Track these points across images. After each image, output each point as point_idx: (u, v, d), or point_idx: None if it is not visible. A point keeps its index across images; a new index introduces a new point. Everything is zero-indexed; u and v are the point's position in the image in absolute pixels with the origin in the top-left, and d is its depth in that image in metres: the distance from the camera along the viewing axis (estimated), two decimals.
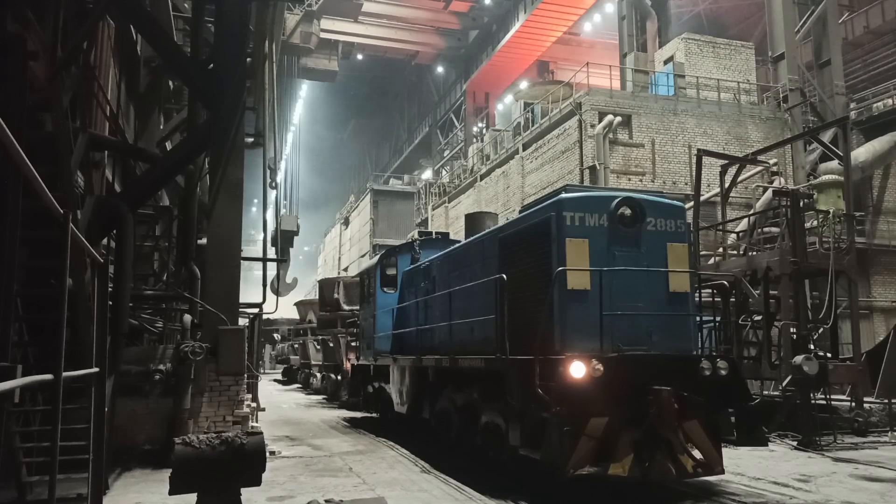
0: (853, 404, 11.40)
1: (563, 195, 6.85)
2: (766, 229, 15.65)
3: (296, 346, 26.39)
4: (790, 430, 10.46)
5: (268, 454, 5.82)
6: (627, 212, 6.82)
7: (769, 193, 17.32)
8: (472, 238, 9.33)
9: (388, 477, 7.67)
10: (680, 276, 6.90)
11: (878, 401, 11.47)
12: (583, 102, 19.60)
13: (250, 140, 13.32)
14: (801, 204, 11.96)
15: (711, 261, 14.40)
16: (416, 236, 13.15)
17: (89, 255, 5.37)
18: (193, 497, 5.00)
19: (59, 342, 3.69)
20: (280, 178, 23.25)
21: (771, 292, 11.57)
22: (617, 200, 6.78)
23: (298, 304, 27.06)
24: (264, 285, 11.32)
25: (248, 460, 5.02)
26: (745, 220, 16.20)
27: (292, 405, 18.55)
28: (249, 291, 12.05)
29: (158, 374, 8.46)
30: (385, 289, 11.89)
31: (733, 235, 15.80)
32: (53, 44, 6.54)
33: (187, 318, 9.09)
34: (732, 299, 11.38)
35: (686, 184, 19.27)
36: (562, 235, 6.61)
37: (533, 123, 23.74)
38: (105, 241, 7.93)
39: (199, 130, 9.67)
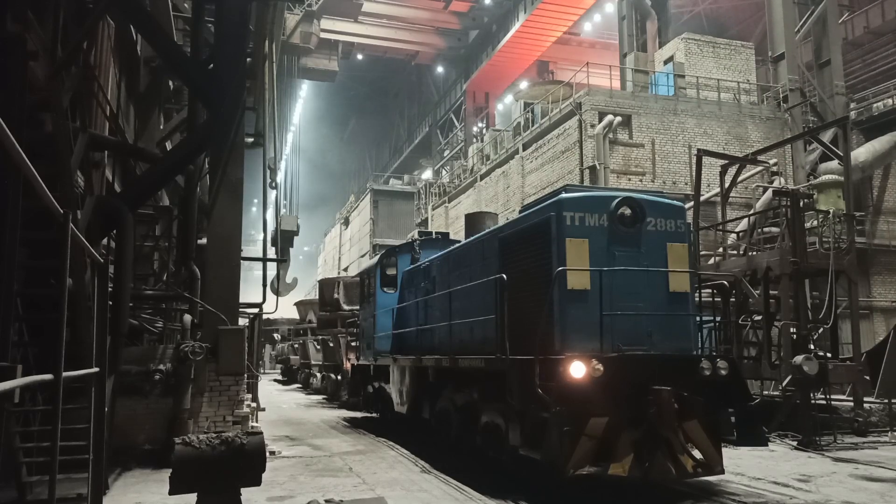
0: (853, 404, 11.40)
1: (563, 195, 6.85)
2: (766, 229, 15.64)
3: (296, 346, 26.39)
4: (790, 430, 10.46)
5: (268, 454, 5.82)
6: (627, 212, 6.82)
7: (769, 193, 17.31)
8: (471, 238, 9.33)
9: (388, 477, 7.67)
10: (680, 276, 6.90)
11: (878, 401, 11.47)
12: (583, 102, 19.60)
13: (250, 140, 13.30)
14: (801, 204, 11.96)
15: (711, 261, 14.39)
16: (416, 236, 13.14)
17: (89, 255, 5.37)
18: (193, 497, 5.00)
19: (59, 342, 3.69)
20: (280, 178, 23.24)
21: (771, 292, 11.57)
22: (617, 200, 6.78)
23: (298, 304, 27.06)
24: (264, 285, 11.32)
25: (248, 460, 5.02)
26: (745, 220, 16.19)
27: (292, 405, 18.55)
28: (249, 291, 12.05)
29: (158, 374, 8.46)
30: (385, 289, 11.88)
31: (733, 235, 15.79)
32: (53, 44, 6.54)
33: (187, 318, 9.08)
34: (732, 299, 11.38)
35: (686, 184, 19.26)
36: (562, 235, 6.61)
37: (533, 123, 23.74)
38: (105, 241, 7.92)
39: (199, 130, 9.66)
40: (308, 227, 37.31)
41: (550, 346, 6.41)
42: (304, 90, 51.12)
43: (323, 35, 35.32)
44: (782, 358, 10.98)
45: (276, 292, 14.73)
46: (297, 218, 20.41)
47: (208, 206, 9.13)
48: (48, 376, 3.61)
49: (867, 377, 11.07)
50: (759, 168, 17.56)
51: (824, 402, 10.78)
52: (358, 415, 14.96)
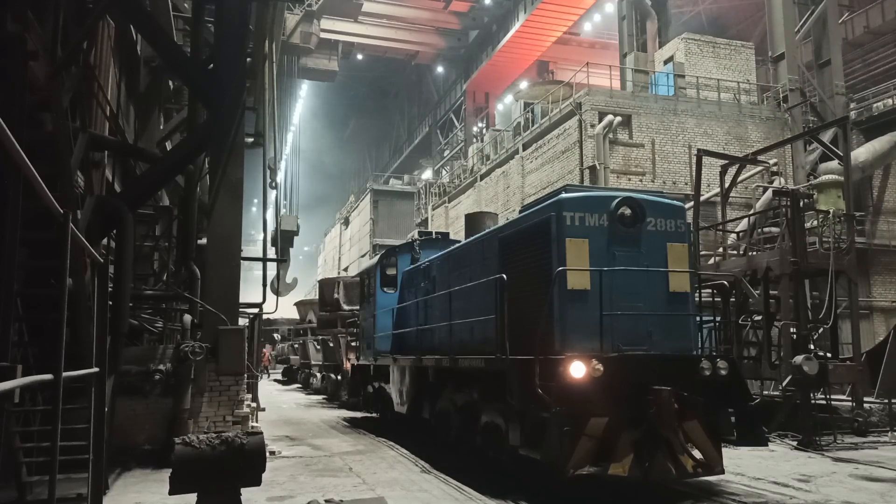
0: (853, 404, 11.40)
1: (563, 195, 6.85)
2: (766, 229, 15.64)
3: (296, 346, 26.40)
4: (790, 430, 10.46)
5: (268, 454, 5.82)
6: (627, 212, 6.82)
7: (769, 193, 17.31)
8: (471, 238, 9.33)
9: (388, 477, 7.67)
10: (680, 276, 6.90)
11: (878, 401, 11.47)
12: (583, 102, 19.60)
13: (250, 140, 13.30)
14: (801, 204, 11.95)
15: (711, 261, 14.39)
16: (416, 236, 13.13)
17: (89, 255, 5.37)
18: (193, 497, 5.00)
19: (59, 342, 3.69)
20: (280, 178, 23.25)
21: (771, 292, 11.57)
22: (617, 200, 6.78)
23: (298, 304, 27.05)
24: (264, 285, 11.31)
25: (248, 460, 5.01)
26: (745, 220, 16.19)
27: (292, 405, 18.54)
28: (249, 291, 12.04)
29: (158, 374, 8.46)
30: (385, 289, 11.88)
31: (733, 235, 15.79)
32: (53, 44, 6.54)
33: (187, 318, 9.08)
34: (732, 299, 11.37)
35: (686, 184, 19.26)
36: (562, 235, 6.61)
37: (533, 123, 23.74)
38: (105, 241, 7.92)
39: (199, 130, 9.66)
40: (308, 227, 37.31)
41: (550, 346, 6.41)
42: (304, 90, 51.14)
43: (323, 35, 35.34)
44: (782, 358, 10.98)
45: (276, 292, 14.73)
46: (297, 218, 20.42)
47: (208, 206, 9.13)
48: (48, 376, 3.61)
49: (867, 377, 11.07)
50: (759, 168, 17.56)
51: (824, 402, 10.78)
52: (358, 415, 14.96)
